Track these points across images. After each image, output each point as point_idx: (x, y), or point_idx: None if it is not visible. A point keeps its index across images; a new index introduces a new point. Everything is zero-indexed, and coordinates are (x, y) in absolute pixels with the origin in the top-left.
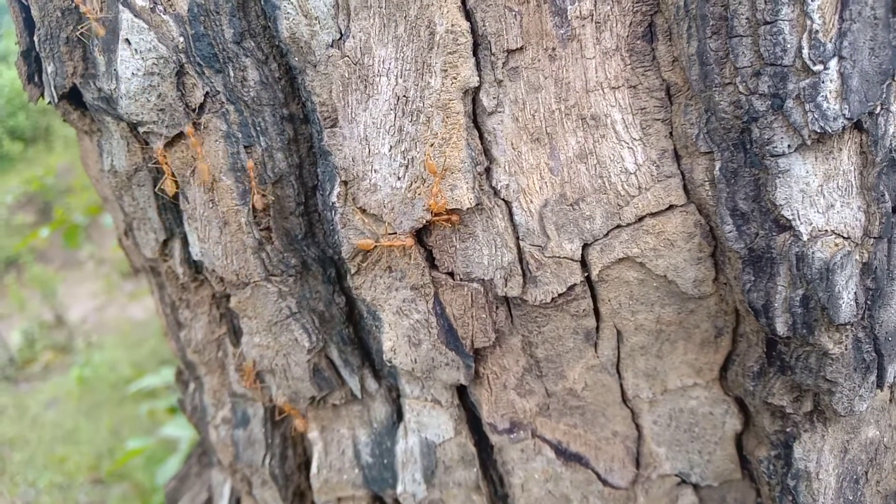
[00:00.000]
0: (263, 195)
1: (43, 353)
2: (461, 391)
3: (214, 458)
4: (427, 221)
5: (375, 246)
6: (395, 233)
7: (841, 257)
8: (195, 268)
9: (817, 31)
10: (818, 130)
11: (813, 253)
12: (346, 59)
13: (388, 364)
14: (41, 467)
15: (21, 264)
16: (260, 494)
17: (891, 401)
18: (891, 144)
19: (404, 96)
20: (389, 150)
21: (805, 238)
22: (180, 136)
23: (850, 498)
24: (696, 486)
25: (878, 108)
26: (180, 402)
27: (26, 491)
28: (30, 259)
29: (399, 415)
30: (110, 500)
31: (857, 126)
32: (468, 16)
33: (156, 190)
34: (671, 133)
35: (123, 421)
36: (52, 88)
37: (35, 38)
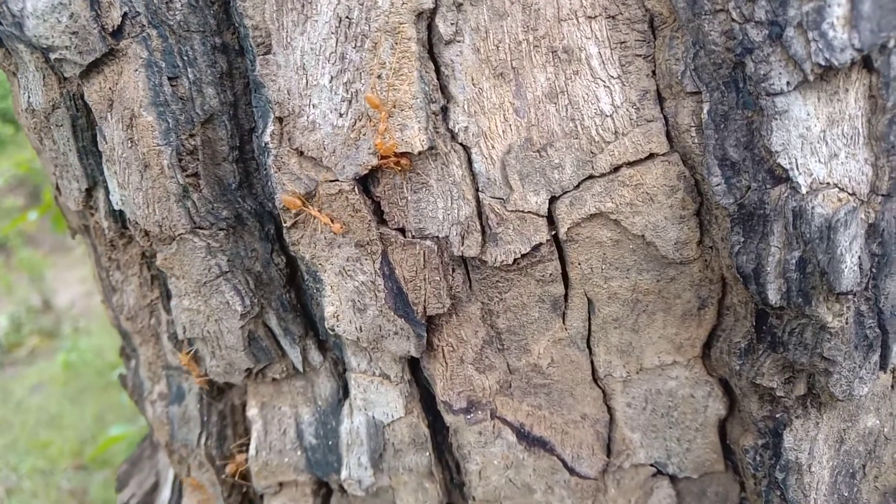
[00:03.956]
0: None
1: (29, 338)
2: (414, 366)
3: (156, 440)
4: (374, 167)
5: (301, 210)
6: (335, 186)
7: (845, 214)
8: (121, 221)
9: None
10: (822, 63)
11: (812, 208)
12: None
13: (331, 332)
14: (24, 452)
15: (9, 248)
16: (198, 478)
17: (892, 387)
18: None
19: (347, 17)
20: (330, 82)
21: (804, 191)
22: (96, 64)
23: (846, 494)
24: (673, 478)
25: (892, 44)
26: (122, 377)
27: (8, 475)
28: (18, 243)
29: (346, 391)
30: (92, 486)
31: (867, 66)
32: None
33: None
34: (653, 72)
35: (108, 407)
36: None
37: None
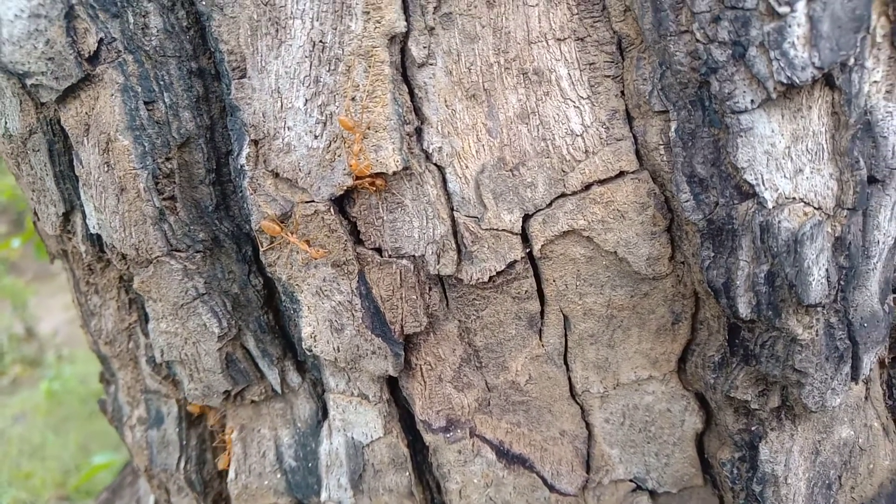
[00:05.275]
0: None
1: (12, 367)
2: (393, 385)
3: (136, 465)
4: (349, 187)
5: (281, 233)
6: (311, 211)
7: (811, 227)
8: (99, 245)
9: None
10: (785, 81)
11: (779, 222)
12: None
13: (309, 353)
14: (6, 483)
15: None
16: (178, 503)
17: (866, 398)
18: (866, 105)
19: (321, 41)
20: (305, 105)
21: (770, 206)
22: (73, 89)
23: None
24: (652, 493)
25: (852, 62)
26: (101, 403)
27: None
28: (1, 270)
29: (325, 412)
30: None
31: (829, 83)
32: None
33: None
34: (622, 92)
35: (92, 436)
36: None
37: None
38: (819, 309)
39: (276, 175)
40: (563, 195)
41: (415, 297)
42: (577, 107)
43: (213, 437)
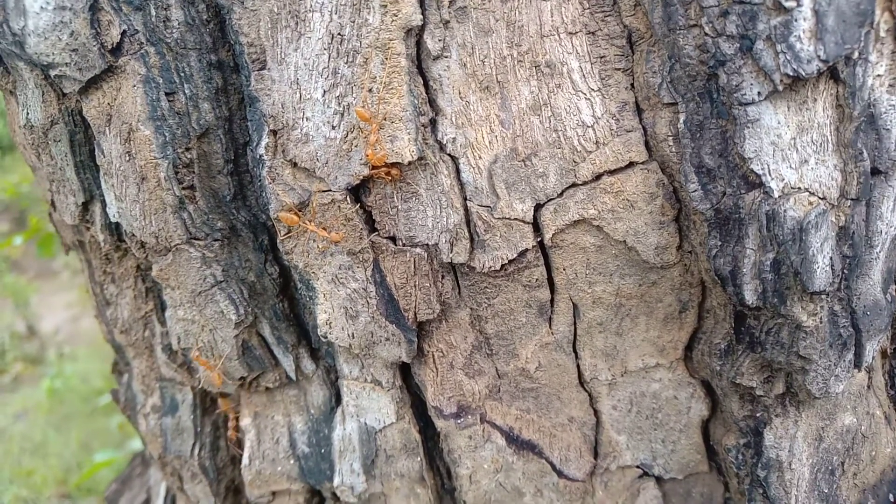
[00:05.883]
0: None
1: (13, 365)
2: (405, 372)
3: (149, 453)
4: (365, 177)
5: (299, 223)
6: (327, 198)
7: (815, 216)
8: (117, 234)
9: None
10: (791, 74)
11: (785, 211)
12: None
13: (324, 339)
14: (7, 481)
15: None
16: (191, 490)
17: (868, 387)
18: (869, 98)
19: (339, 34)
20: (323, 96)
21: (776, 195)
22: (95, 80)
23: (826, 491)
24: (659, 479)
25: (856, 56)
26: (114, 393)
27: None
28: (3, 268)
29: (338, 399)
30: None
31: (833, 76)
32: None
33: None
34: (632, 85)
35: (94, 434)
36: None
37: None
38: (823, 296)
39: (295, 164)
40: (573, 185)
41: (428, 284)
42: (588, 99)
43: (227, 425)
